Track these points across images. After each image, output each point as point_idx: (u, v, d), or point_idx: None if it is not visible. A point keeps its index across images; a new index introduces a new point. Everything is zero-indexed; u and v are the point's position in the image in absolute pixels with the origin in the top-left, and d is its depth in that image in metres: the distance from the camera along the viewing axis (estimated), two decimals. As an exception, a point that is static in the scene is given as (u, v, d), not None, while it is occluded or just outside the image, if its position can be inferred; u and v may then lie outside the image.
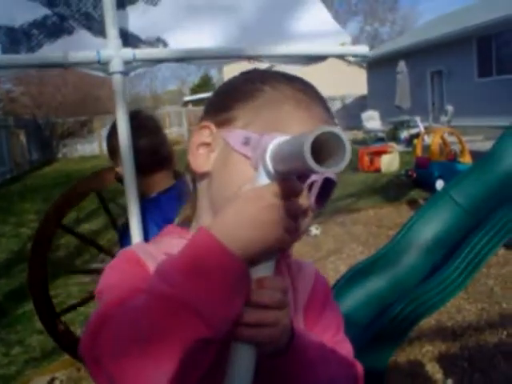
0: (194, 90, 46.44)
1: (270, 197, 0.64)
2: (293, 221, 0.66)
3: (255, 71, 0.90)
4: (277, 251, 0.67)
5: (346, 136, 0.57)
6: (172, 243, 0.68)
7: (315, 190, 0.77)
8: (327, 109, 0.86)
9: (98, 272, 3.05)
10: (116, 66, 1.92)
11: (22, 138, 20.11)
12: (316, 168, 0.56)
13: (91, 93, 26.35)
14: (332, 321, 0.91)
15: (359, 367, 0.88)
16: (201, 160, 0.83)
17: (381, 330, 2.64)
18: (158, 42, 2.20)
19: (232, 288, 0.62)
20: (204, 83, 46.14)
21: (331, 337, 0.88)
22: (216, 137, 0.82)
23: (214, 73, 46.38)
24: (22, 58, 2.00)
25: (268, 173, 0.67)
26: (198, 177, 0.86)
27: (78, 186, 2.48)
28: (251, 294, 0.65)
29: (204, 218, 0.83)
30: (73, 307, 3.07)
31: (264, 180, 0.67)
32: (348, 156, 0.58)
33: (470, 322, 3.81)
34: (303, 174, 0.65)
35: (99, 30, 2.10)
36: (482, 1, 22.69)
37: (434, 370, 3.21)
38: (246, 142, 0.75)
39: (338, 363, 0.82)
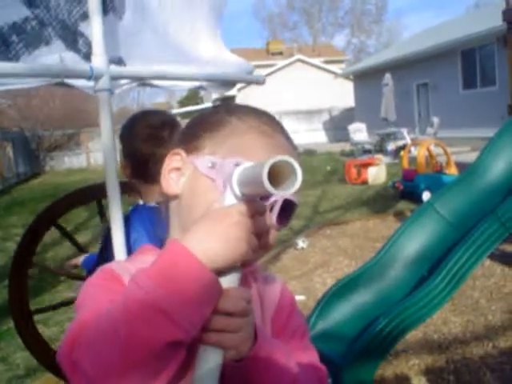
0: (182, 103, 46.43)
1: (236, 215, 0.72)
2: (257, 238, 0.74)
3: (224, 104, 1.00)
4: (240, 264, 0.73)
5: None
6: (148, 260, 0.72)
7: (276, 209, 0.85)
8: (289, 138, 0.95)
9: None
10: (103, 83, 1.85)
11: (9, 150, 19.94)
12: (272, 191, 0.65)
13: (78, 106, 26.14)
14: (297, 329, 0.98)
15: (323, 371, 0.96)
16: (172, 183, 0.91)
17: (367, 343, 2.64)
18: (120, 62, 2.12)
19: (202, 295, 0.68)
20: (192, 96, 46.17)
21: (296, 343, 0.95)
22: (185, 162, 0.90)
23: (201, 85, 46.31)
24: (19, 66, 1.82)
25: (235, 194, 0.75)
26: (169, 199, 0.93)
27: (55, 204, 2.45)
28: (218, 302, 0.71)
29: (175, 235, 0.91)
30: (41, 310, 3.05)
31: (231, 200, 0.75)
32: (299, 181, 0.67)
33: (456, 335, 3.82)
34: (265, 196, 0.74)
35: (72, 41, 2.00)
36: (466, 14, 23.04)
37: (420, 383, 3.21)
38: (212, 166, 0.84)
39: (302, 367, 0.88)
